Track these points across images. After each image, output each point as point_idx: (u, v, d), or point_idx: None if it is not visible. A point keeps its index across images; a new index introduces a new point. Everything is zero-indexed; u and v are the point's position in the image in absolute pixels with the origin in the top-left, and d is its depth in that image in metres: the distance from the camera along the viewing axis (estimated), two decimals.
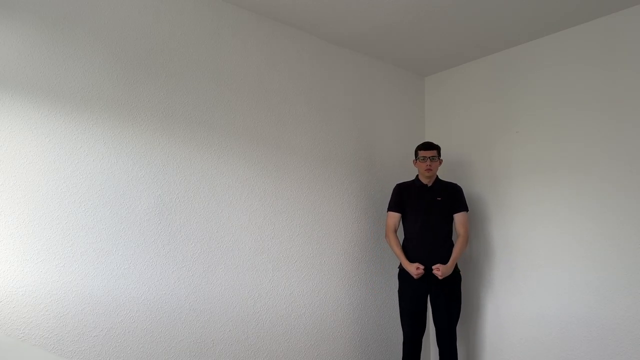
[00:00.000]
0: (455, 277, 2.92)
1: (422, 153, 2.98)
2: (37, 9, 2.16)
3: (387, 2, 2.73)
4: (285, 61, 2.98)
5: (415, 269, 2.82)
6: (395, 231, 3.01)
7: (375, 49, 3.33)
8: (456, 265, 2.94)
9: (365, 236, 3.24)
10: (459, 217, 2.97)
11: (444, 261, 2.85)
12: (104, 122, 2.29)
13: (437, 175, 3.04)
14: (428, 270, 2.84)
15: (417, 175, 3.07)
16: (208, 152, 2.60)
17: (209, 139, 2.61)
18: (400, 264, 2.96)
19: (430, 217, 2.92)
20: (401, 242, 3.01)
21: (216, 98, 2.66)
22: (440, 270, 2.80)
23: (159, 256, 2.38)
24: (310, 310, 2.90)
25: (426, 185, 3.00)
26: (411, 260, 2.89)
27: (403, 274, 2.96)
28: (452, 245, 2.95)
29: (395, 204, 3.03)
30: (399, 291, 3.01)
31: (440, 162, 3.03)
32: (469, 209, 3.06)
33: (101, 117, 2.29)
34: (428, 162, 2.94)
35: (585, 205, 2.80)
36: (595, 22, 2.86)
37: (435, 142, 3.24)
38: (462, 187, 3.08)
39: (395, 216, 3.02)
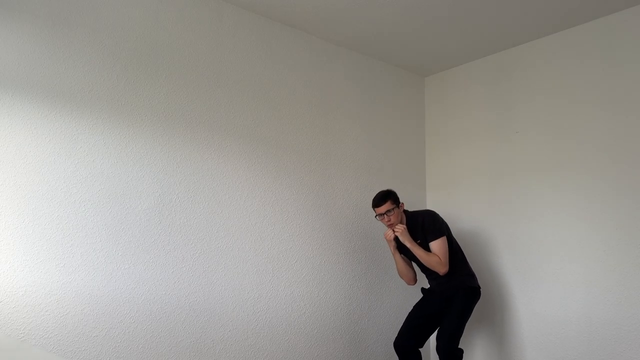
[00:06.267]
0: (464, 294, 2.73)
1: (376, 211, 2.74)
2: (38, 9, 2.16)
3: (387, 2, 2.73)
4: (285, 61, 2.98)
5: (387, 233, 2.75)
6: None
7: (376, 49, 3.33)
8: (471, 281, 2.78)
9: (366, 237, 3.24)
10: (433, 247, 2.68)
11: (457, 288, 2.72)
12: (104, 122, 2.29)
13: (406, 214, 2.82)
14: (442, 295, 2.75)
15: None
16: (208, 152, 2.60)
17: (209, 139, 2.61)
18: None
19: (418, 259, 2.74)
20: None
21: (216, 98, 2.66)
22: (400, 230, 2.67)
23: (159, 256, 2.38)
24: (310, 311, 2.90)
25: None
26: (428, 293, 2.85)
27: (423, 290, 2.90)
28: (463, 268, 2.79)
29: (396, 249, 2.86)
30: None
31: (402, 206, 2.78)
32: (444, 233, 2.73)
33: (101, 117, 2.28)
34: (386, 218, 2.71)
35: (586, 205, 2.80)
36: (595, 22, 2.86)
37: (435, 143, 3.22)
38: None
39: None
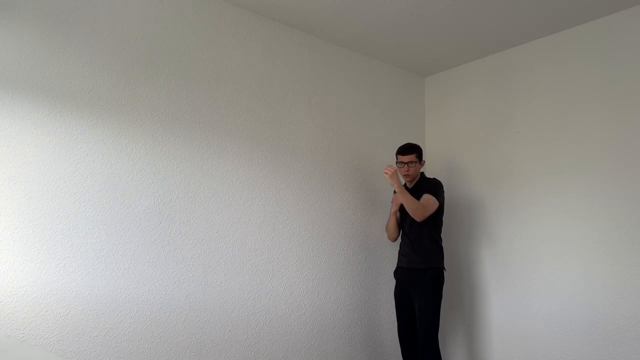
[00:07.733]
0: (431, 277, 2.77)
1: (399, 158, 2.89)
2: (38, 9, 2.16)
3: (387, 2, 2.73)
4: (285, 61, 2.98)
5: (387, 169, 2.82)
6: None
7: (376, 49, 3.33)
8: (436, 262, 2.81)
9: (366, 236, 3.24)
10: (424, 197, 2.76)
11: (427, 260, 2.79)
12: (104, 122, 2.29)
13: (421, 175, 2.93)
14: (410, 271, 2.86)
15: None
16: (208, 152, 2.60)
17: (209, 139, 2.61)
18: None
19: (413, 218, 2.79)
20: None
21: (216, 98, 2.66)
22: (390, 171, 2.77)
23: (159, 256, 2.38)
24: (310, 311, 2.90)
25: (407, 187, 2.91)
26: (398, 258, 2.97)
27: (395, 273, 3.01)
28: (437, 245, 2.84)
29: None
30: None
31: (422, 163, 2.92)
32: (444, 202, 2.90)
33: (101, 117, 2.28)
34: (405, 168, 2.86)
35: (586, 205, 2.80)
36: (595, 22, 2.86)
37: (435, 142, 3.21)
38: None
39: None
